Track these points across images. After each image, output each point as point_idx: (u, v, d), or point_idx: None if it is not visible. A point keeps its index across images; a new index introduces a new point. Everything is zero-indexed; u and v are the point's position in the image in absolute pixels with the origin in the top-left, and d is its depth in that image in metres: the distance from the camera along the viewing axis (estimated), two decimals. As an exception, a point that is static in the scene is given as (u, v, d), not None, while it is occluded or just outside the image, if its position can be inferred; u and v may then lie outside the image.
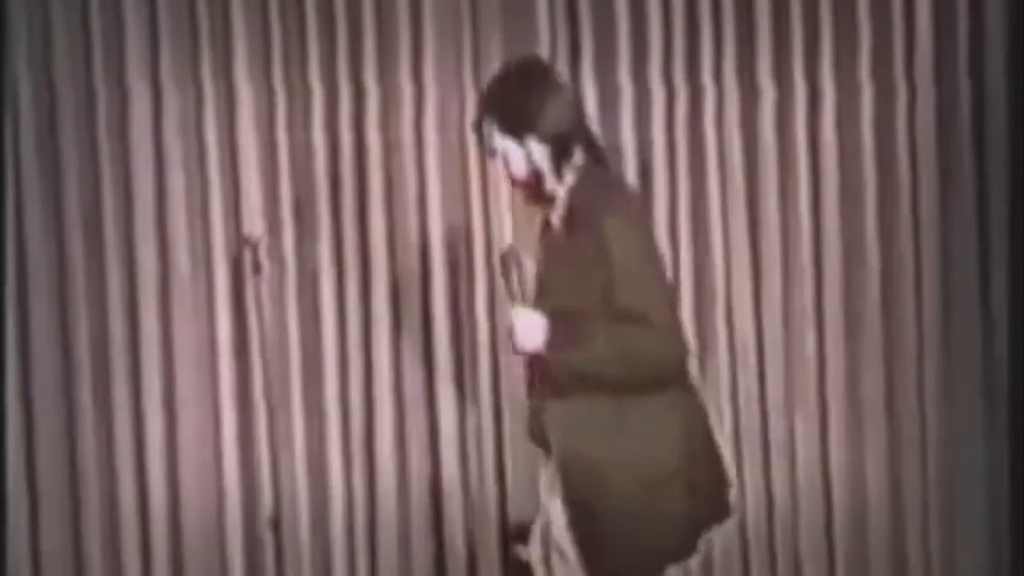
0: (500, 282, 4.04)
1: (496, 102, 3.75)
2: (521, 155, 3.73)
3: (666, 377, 3.63)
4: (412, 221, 4.83)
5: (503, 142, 3.73)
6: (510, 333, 3.76)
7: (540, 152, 3.72)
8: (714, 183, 4.88)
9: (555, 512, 3.77)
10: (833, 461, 4.93)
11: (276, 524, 4.72)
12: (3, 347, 4.73)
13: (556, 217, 3.75)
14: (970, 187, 4.89)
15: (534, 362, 3.79)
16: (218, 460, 4.83)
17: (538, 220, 3.89)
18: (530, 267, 3.83)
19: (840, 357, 4.92)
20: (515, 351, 3.76)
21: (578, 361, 3.62)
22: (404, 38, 4.79)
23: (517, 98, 3.72)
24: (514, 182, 3.81)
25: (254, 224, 4.79)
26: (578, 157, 3.75)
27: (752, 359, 4.92)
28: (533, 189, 3.78)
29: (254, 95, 4.78)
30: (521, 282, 3.81)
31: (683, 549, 3.74)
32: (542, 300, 3.76)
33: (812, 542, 4.93)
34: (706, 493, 3.73)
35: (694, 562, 4.89)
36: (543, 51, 4.81)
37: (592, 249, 3.57)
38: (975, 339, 4.90)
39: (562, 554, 3.74)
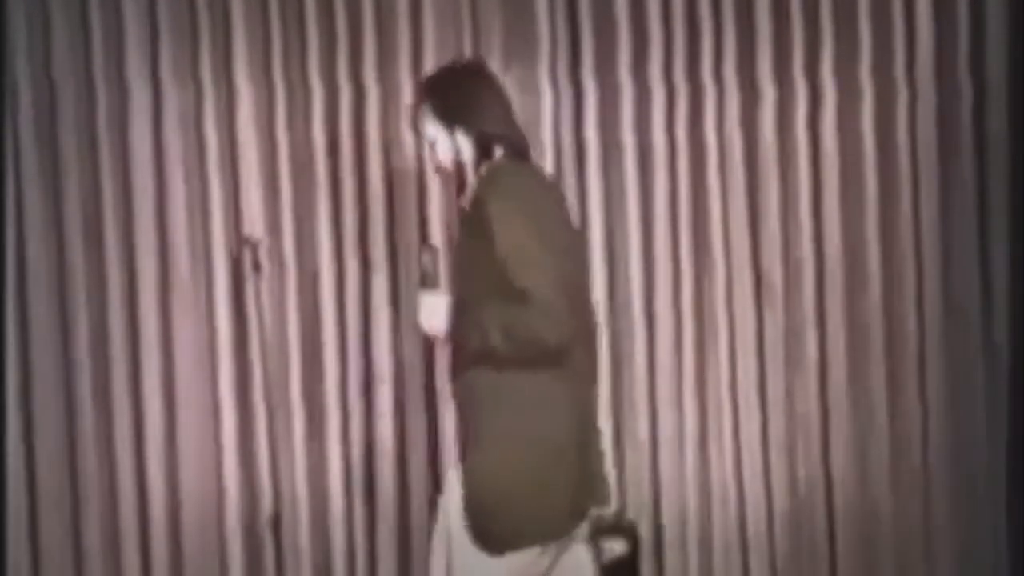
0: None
1: (436, 91, 3.96)
2: (449, 145, 3.92)
3: (548, 356, 3.72)
4: (412, 220, 4.83)
5: (435, 130, 3.93)
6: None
7: (466, 146, 3.90)
8: (715, 183, 4.89)
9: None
10: (833, 461, 4.93)
11: (276, 523, 4.72)
12: (3, 347, 4.72)
13: (466, 203, 3.90)
14: (971, 187, 4.89)
15: (444, 342, 3.93)
16: (218, 460, 4.82)
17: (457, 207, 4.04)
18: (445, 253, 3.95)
19: (841, 357, 4.92)
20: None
21: (475, 339, 3.75)
22: (404, 37, 4.79)
23: (456, 92, 3.93)
24: (438, 168, 3.99)
25: (254, 223, 4.79)
26: (497, 155, 3.90)
27: (752, 359, 4.92)
28: (455, 178, 3.96)
29: (254, 93, 4.78)
30: (434, 268, 3.93)
31: (562, 527, 3.83)
32: (453, 282, 3.90)
33: (812, 542, 4.93)
34: (582, 478, 3.83)
35: (694, 562, 4.91)
36: (543, 51, 4.82)
37: (480, 230, 3.71)
38: (976, 338, 4.90)
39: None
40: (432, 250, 3.98)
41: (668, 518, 4.91)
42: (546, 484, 3.74)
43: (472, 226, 3.77)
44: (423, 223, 4.83)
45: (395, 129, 4.79)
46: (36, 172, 4.74)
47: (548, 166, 4.82)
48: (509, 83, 4.76)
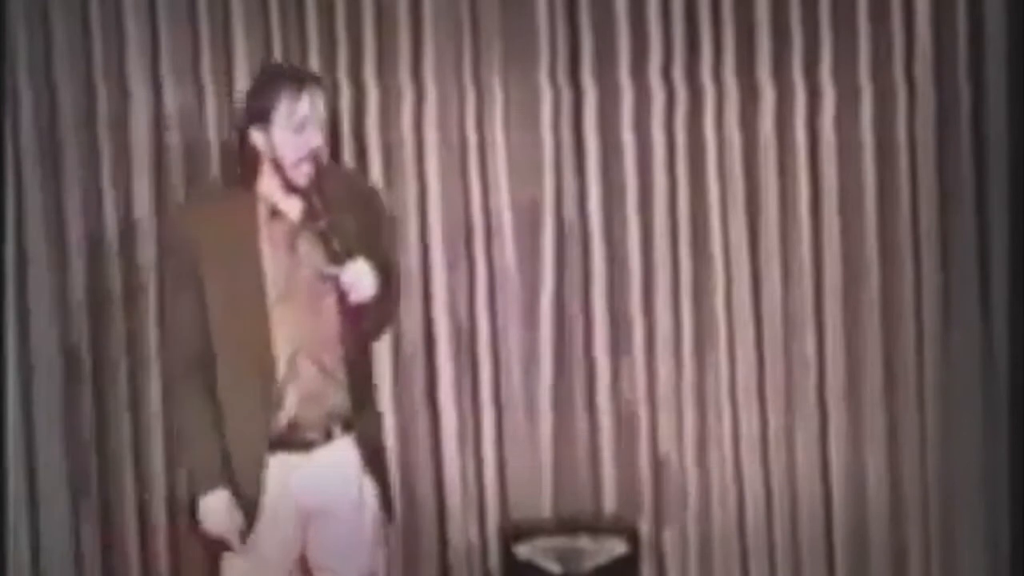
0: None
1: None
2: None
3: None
4: (412, 221, 4.83)
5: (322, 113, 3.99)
6: (335, 286, 3.85)
7: None
8: (714, 183, 4.89)
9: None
10: (833, 461, 4.93)
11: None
12: (3, 346, 4.72)
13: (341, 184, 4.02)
14: (969, 187, 4.89)
15: (363, 311, 3.90)
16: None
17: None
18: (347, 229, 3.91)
19: (840, 357, 4.92)
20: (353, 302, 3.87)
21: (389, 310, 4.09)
22: (404, 38, 4.79)
23: None
24: (313, 152, 3.90)
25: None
26: None
27: (752, 359, 4.92)
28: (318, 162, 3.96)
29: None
30: (341, 244, 3.86)
31: None
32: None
33: (812, 542, 4.93)
34: None
35: (693, 561, 4.91)
36: (543, 51, 4.83)
37: (365, 207, 4.00)
38: (975, 338, 4.90)
39: None
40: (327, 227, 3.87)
41: (668, 518, 4.92)
42: None
43: (362, 204, 3.98)
44: (423, 225, 4.83)
45: (395, 131, 4.80)
46: (36, 173, 4.73)
47: (548, 166, 4.84)
48: (509, 84, 4.82)
